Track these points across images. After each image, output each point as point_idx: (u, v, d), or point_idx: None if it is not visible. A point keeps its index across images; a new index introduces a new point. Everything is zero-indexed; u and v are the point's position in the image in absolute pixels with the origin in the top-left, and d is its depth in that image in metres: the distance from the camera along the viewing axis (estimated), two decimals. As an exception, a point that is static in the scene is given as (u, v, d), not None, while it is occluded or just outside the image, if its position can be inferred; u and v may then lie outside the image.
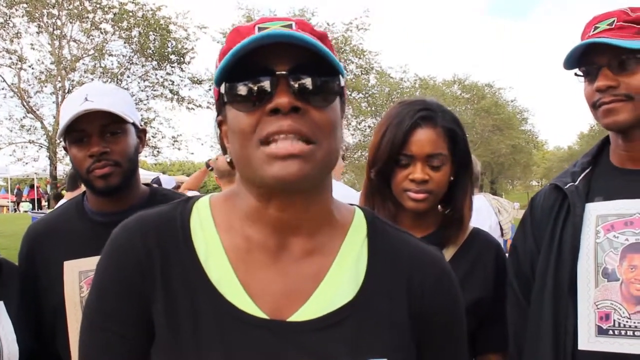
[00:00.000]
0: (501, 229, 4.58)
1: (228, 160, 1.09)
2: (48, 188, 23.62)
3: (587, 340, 1.62)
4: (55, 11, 19.92)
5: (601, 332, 1.60)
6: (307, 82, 0.98)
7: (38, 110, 20.63)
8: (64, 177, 19.69)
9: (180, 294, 1.03)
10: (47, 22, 20.04)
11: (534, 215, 1.85)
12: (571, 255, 1.67)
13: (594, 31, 1.68)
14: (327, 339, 1.01)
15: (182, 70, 21.91)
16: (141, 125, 2.04)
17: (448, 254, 1.89)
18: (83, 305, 1.81)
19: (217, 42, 22.97)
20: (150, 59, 21.30)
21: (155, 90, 22.07)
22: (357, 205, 1.20)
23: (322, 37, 1.05)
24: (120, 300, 1.04)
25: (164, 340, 1.02)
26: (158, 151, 22.60)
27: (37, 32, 20.10)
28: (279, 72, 0.97)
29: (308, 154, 0.96)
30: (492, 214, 4.57)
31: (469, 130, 36.23)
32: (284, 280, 1.05)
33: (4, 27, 19.49)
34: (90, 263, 1.80)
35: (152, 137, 21.90)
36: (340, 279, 1.07)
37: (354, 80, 25.86)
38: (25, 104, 20.19)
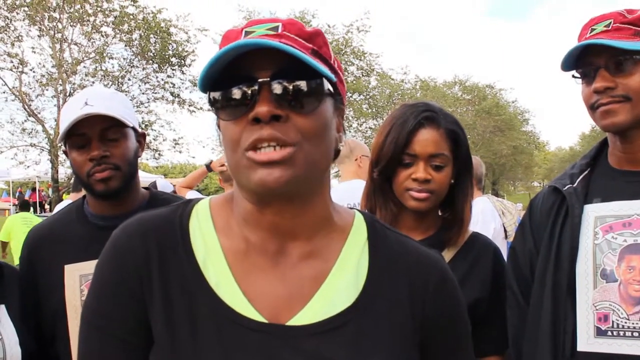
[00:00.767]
0: (505, 231, 4.56)
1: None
2: (50, 191, 23.64)
3: (586, 341, 1.62)
4: (56, 14, 19.96)
5: (600, 333, 1.61)
6: (289, 87, 0.96)
7: (39, 113, 20.70)
8: (65, 181, 19.77)
9: (179, 297, 1.02)
10: (48, 25, 20.08)
11: (533, 217, 1.85)
12: (570, 256, 1.67)
13: (590, 33, 1.68)
14: (326, 344, 1.00)
15: (182, 72, 21.97)
16: (140, 129, 2.05)
17: (447, 255, 1.89)
18: (83, 306, 1.81)
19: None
20: (151, 61, 21.35)
21: (156, 93, 22.14)
22: (357, 209, 1.19)
23: (313, 35, 1.03)
24: (117, 302, 1.04)
25: (161, 343, 1.01)
26: (159, 154, 22.65)
27: (38, 36, 20.16)
28: (261, 79, 0.96)
29: (289, 159, 0.95)
30: (496, 216, 4.56)
31: (470, 132, 36.22)
32: (283, 284, 1.04)
33: (5, 30, 19.55)
34: (91, 266, 1.79)
35: (154, 139, 21.95)
36: (340, 282, 1.06)
37: (354, 82, 25.89)
38: (26, 107, 20.23)
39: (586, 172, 1.79)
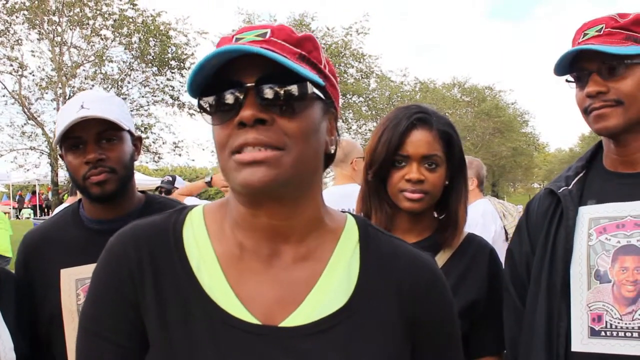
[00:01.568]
0: (506, 233, 4.54)
1: None
2: (49, 195, 23.66)
3: (580, 341, 1.63)
4: (55, 18, 20.00)
5: (594, 333, 1.61)
6: (274, 92, 0.98)
7: (39, 116, 20.71)
8: (65, 184, 19.77)
9: (173, 302, 1.04)
10: (47, 28, 20.11)
11: (530, 219, 1.86)
12: (564, 258, 1.68)
13: (583, 38, 1.69)
14: (319, 345, 1.02)
15: (182, 75, 21.95)
16: (137, 133, 2.05)
17: (443, 257, 1.90)
18: (80, 312, 1.82)
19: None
20: (150, 64, 21.36)
21: (155, 96, 22.15)
22: (349, 212, 1.21)
23: (302, 40, 1.05)
24: (113, 308, 1.06)
25: (157, 347, 1.03)
26: (159, 157, 22.65)
27: (37, 39, 20.19)
28: (247, 84, 0.98)
29: (273, 160, 0.97)
30: (496, 219, 4.55)
31: (470, 133, 36.26)
32: (276, 286, 1.06)
33: (5, 34, 19.58)
34: (87, 270, 1.81)
35: (153, 142, 21.96)
36: (332, 284, 1.07)
37: (354, 84, 25.91)
38: (26, 110, 20.26)
39: (581, 174, 1.80)
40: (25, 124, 20.72)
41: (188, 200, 5.18)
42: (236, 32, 1.06)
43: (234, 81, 0.99)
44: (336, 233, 1.13)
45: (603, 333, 1.60)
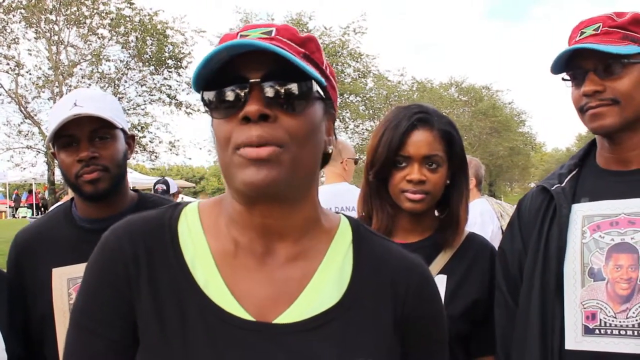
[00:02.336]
0: (503, 233, 4.55)
1: None
2: (46, 194, 23.61)
3: (573, 339, 1.63)
4: (52, 17, 19.92)
5: (588, 331, 1.62)
6: (279, 89, 0.99)
7: (36, 115, 20.61)
8: (61, 183, 19.72)
9: (167, 297, 1.04)
10: (44, 27, 20.03)
11: (522, 217, 1.86)
12: (557, 255, 1.68)
13: (580, 36, 1.69)
14: (312, 341, 1.02)
15: (179, 74, 21.91)
16: (131, 131, 2.04)
17: (445, 257, 1.90)
18: (72, 307, 1.81)
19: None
20: (147, 63, 21.30)
21: (152, 95, 22.06)
22: (342, 213, 1.22)
23: (306, 41, 1.07)
24: (106, 303, 1.06)
25: (150, 343, 1.03)
26: (156, 156, 22.58)
27: (34, 38, 20.11)
28: (252, 80, 0.99)
29: (275, 158, 0.97)
30: (494, 218, 4.55)
31: (467, 133, 36.25)
32: (270, 283, 1.06)
33: (2, 32, 19.50)
34: (79, 270, 1.79)
35: (150, 142, 21.90)
36: (325, 282, 1.08)
37: (351, 83, 25.90)
38: (22, 109, 20.18)
39: (574, 172, 1.80)
40: (21, 122, 20.64)
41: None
42: (240, 30, 1.06)
43: (238, 76, 0.99)
44: (330, 233, 1.14)
45: (597, 331, 1.60)
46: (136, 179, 22.11)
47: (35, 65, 20.38)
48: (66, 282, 1.87)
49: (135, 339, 1.04)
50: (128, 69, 21.56)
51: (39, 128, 20.28)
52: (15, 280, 1.92)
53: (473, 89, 39.26)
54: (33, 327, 1.90)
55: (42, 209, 24.71)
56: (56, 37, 20.24)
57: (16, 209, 31.99)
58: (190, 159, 48.98)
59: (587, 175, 1.78)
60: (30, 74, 20.25)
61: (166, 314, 1.03)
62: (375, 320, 1.08)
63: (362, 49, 25.82)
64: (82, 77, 20.67)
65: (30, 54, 20.39)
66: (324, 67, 1.09)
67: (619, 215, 1.64)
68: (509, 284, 1.82)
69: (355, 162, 4.20)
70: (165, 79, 21.98)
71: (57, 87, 19.90)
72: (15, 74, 20.01)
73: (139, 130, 20.85)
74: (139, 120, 21.67)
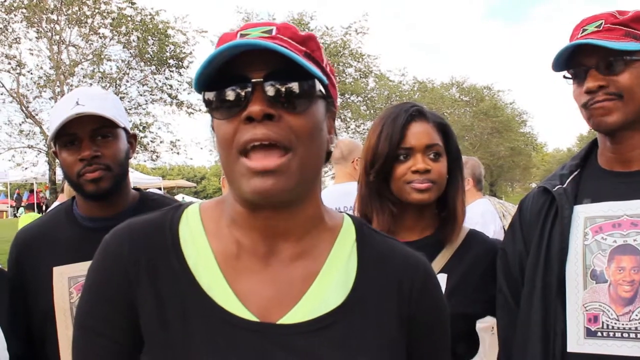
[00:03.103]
0: (505, 234, 4.53)
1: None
2: (47, 193, 23.61)
3: (576, 342, 1.62)
4: (54, 16, 19.93)
5: (590, 334, 1.61)
6: (282, 88, 0.99)
7: (37, 115, 20.63)
8: (63, 182, 19.73)
9: (170, 299, 1.04)
10: (46, 27, 20.05)
11: (523, 218, 1.85)
12: (559, 257, 1.67)
13: (582, 33, 1.68)
14: (316, 342, 1.02)
15: (180, 74, 21.92)
16: (133, 131, 2.04)
17: (446, 255, 1.90)
18: (73, 310, 1.81)
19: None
20: (148, 63, 21.32)
21: (154, 95, 22.08)
22: (345, 212, 1.21)
23: (307, 39, 1.06)
24: (109, 305, 1.06)
25: (154, 344, 1.03)
26: (157, 156, 22.60)
27: (36, 38, 20.12)
28: (255, 80, 0.98)
29: (283, 167, 0.97)
30: (496, 218, 4.55)
31: (468, 133, 36.25)
32: (274, 284, 1.06)
33: (3, 32, 19.52)
34: (80, 269, 1.80)
35: (151, 141, 21.92)
36: (330, 282, 1.08)
37: (352, 83, 25.90)
38: (24, 109, 20.19)
39: (576, 172, 1.79)
40: (23, 122, 20.67)
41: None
42: (240, 29, 1.06)
43: (240, 76, 0.99)
44: (334, 232, 1.14)
45: (599, 333, 1.59)
46: (137, 179, 22.12)
47: (37, 65, 20.42)
48: (67, 280, 1.86)
49: (140, 340, 1.04)
50: (129, 69, 21.58)
51: (40, 128, 20.29)
52: (16, 279, 1.92)
53: (474, 89, 39.22)
54: (34, 326, 1.90)
55: (45, 208, 24.70)
56: (57, 37, 20.26)
57: (17, 209, 32.00)
58: (191, 158, 49.08)
59: (588, 176, 1.77)
60: (31, 73, 20.29)
61: (169, 315, 1.03)
62: (379, 319, 1.08)
63: (363, 49, 25.86)
64: (84, 77, 20.69)
65: (32, 54, 20.45)
66: (324, 65, 1.09)
67: (622, 217, 1.64)
68: (510, 285, 1.82)
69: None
70: (166, 78, 22.02)
71: (58, 86, 19.91)
72: (17, 73, 20.04)
73: (140, 130, 20.86)
74: (140, 119, 21.69)
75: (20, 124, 20.69)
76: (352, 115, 27.13)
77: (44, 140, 20.21)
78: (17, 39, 19.93)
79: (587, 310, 1.62)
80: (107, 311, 1.06)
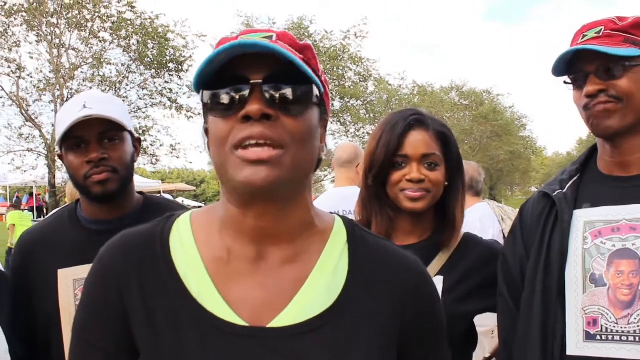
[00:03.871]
0: (504, 237, 4.53)
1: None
2: (47, 196, 23.59)
3: (575, 345, 1.63)
4: (54, 20, 19.95)
5: (589, 337, 1.62)
6: (280, 90, 1.01)
7: (37, 118, 20.63)
8: (62, 185, 19.72)
9: (161, 309, 1.06)
10: (46, 31, 20.06)
11: (524, 223, 1.86)
12: (559, 261, 1.68)
13: (582, 39, 1.70)
14: (307, 344, 1.03)
15: (180, 78, 21.94)
16: (137, 134, 2.06)
17: (442, 259, 1.91)
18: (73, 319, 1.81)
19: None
20: (148, 67, 21.33)
21: (153, 99, 22.10)
22: (337, 214, 1.22)
23: (304, 48, 1.08)
24: (101, 317, 1.09)
25: (148, 353, 1.05)
26: (157, 159, 22.61)
27: (36, 41, 20.14)
28: (254, 81, 1.00)
29: (276, 159, 0.99)
30: (495, 222, 4.54)
31: (468, 137, 36.25)
32: (264, 288, 1.07)
33: (4, 35, 19.52)
34: (85, 271, 1.78)
35: (151, 145, 21.91)
36: (320, 285, 1.09)
37: (352, 87, 25.90)
38: (23, 112, 20.19)
39: (576, 177, 1.80)
40: (22, 125, 20.64)
41: None
42: (240, 33, 1.08)
43: (239, 77, 1.01)
44: (325, 234, 1.15)
45: (598, 337, 1.61)
46: (137, 182, 21.99)
47: (37, 68, 20.44)
48: (72, 283, 1.88)
49: (135, 350, 1.06)
50: (129, 72, 21.61)
51: (40, 131, 20.30)
52: (20, 281, 1.93)
53: (474, 92, 39.26)
54: (39, 329, 1.91)
55: (46, 211, 24.67)
56: (57, 41, 20.26)
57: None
58: (191, 162, 49.10)
59: (588, 181, 1.78)
60: (31, 77, 20.29)
61: (160, 324, 1.05)
62: (370, 321, 1.08)
63: (363, 53, 25.86)
64: (84, 80, 20.69)
65: (32, 57, 20.44)
66: (319, 74, 1.11)
67: (621, 221, 1.65)
68: (511, 289, 1.83)
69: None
70: (166, 82, 22.02)
71: (58, 90, 19.92)
72: (17, 77, 20.04)
73: (140, 134, 20.85)
74: (139, 123, 21.68)
75: (20, 128, 20.68)
76: (352, 119, 27.13)
77: (44, 144, 20.22)
78: (17, 43, 19.95)
79: (586, 314, 1.63)
80: (100, 324, 1.08)
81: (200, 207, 1.29)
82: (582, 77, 1.69)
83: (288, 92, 1.01)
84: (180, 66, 21.63)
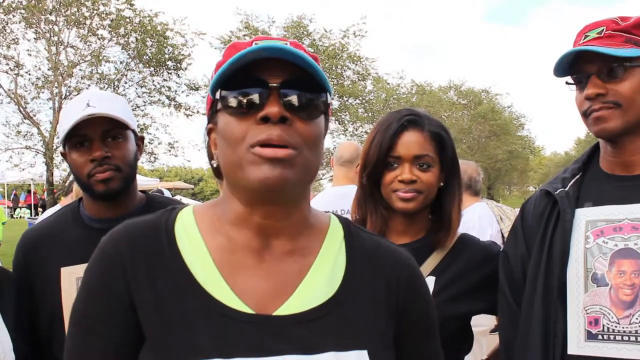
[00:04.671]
0: (503, 236, 4.53)
1: (214, 166, 1.16)
2: (45, 194, 23.55)
3: (576, 345, 1.64)
4: (52, 17, 19.88)
5: (590, 337, 1.63)
6: (296, 95, 1.06)
7: (35, 116, 20.54)
8: (60, 183, 19.70)
9: (169, 296, 1.08)
10: (44, 28, 19.99)
11: (525, 221, 1.87)
12: (561, 260, 1.69)
13: (584, 39, 1.70)
14: (311, 331, 1.08)
15: (178, 76, 21.89)
16: (139, 132, 2.06)
17: (436, 259, 1.92)
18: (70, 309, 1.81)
19: (214, 49, 23.01)
20: (147, 65, 21.29)
21: (152, 97, 22.05)
22: (332, 212, 1.27)
23: (314, 59, 1.11)
24: (106, 305, 1.09)
25: (155, 340, 1.06)
26: (155, 157, 22.57)
27: (34, 39, 20.08)
28: (272, 84, 1.05)
29: (290, 159, 1.04)
30: (493, 222, 4.54)
31: (466, 136, 36.27)
32: (268, 277, 1.11)
33: (2, 33, 19.45)
34: (88, 269, 1.81)
35: (149, 143, 21.84)
36: (321, 276, 1.14)
37: (350, 86, 25.88)
38: (22, 109, 20.12)
39: (578, 176, 1.81)
40: (20, 123, 20.55)
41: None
42: (254, 39, 1.12)
43: (258, 79, 1.05)
44: (322, 231, 1.21)
45: (600, 336, 1.61)
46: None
47: (35, 66, 20.34)
48: (75, 281, 1.88)
49: (139, 337, 1.07)
50: (128, 70, 21.53)
51: (38, 128, 20.24)
52: (23, 279, 1.93)
53: (472, 92, 39.26)
54: (41, 327, 1.91)
55: (42, 209, 24.63)
56: (56, 38, 20.20)
57: (14, 210, 31.93)
58: (189, 160, 49.15)
59: (590, 180, 1.79)
60: (29, 74, 20.21)
61: (168, 311, 1.06)
62: (369, 311, 1.14)
63: (361, 52, 25.83)
64: (82, 78, 20.62)
65: (30, 55, 20.35)
66: None
67: (623, 221, 1.65)
68: (512, 288, 1.83)
69: None
70: (164, 80, 21.96)
71: (56, 87, 19.87)
72: (15, 74, 19.96)
73: (138, 132, 20.77)
74: (138, 121, 21.62)
75: (18, 125, 20.60)
76: (350, 117, 27.11)
77: (42, 141, 20.17)
78: (16, 40, 19.87)
79: (587, 313, 1.64)
80: (104, 311, 1.09)
81: (198, 205, 1.31)
82: (583, 77, 1.69)
83: (304, 97, 1.07)
84: (179, 64, 21.58)
